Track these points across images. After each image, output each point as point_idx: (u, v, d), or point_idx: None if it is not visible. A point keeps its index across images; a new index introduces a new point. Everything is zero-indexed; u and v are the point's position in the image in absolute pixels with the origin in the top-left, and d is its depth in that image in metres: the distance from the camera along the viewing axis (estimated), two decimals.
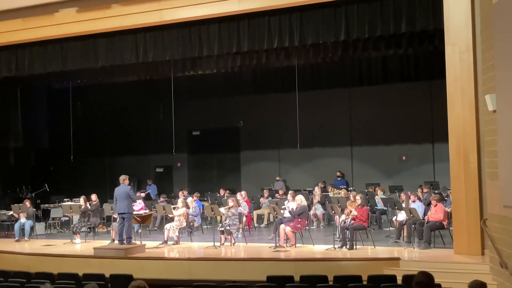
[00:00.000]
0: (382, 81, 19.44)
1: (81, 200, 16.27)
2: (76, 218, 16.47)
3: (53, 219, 18.33)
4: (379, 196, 16.44)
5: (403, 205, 14.21)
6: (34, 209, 17.37)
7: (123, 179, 13.46)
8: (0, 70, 16.88)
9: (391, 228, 15.24)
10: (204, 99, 22.26)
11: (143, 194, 15.34)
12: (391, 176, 20.19)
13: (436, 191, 16.01)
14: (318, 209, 17.18)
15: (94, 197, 16.51)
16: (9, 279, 10.07)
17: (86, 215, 16.00)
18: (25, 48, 16.34)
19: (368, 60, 18.87)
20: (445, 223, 12.91)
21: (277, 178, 21.31)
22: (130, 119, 23.61)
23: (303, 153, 20.36)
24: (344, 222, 13.41)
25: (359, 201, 13.48)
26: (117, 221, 13.96)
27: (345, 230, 13.11)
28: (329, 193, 17.54)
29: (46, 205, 19.18)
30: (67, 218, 17.78)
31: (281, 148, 21.95)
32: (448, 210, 13.33)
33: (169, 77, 18.14)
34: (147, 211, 15.34)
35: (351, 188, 18.74)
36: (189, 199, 16.36)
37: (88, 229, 16.06)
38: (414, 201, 13.83)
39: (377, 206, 16.33)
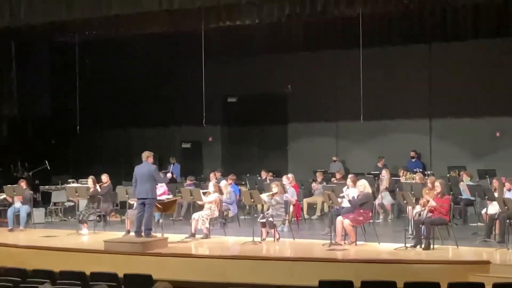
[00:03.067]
0: (472, 35, 19.09)
1: (90, 181, 16.45)
2: (83, 203, 16.69)
3: (54, 204, 18.61)
4: (465, 182, 16.24)
5: (496, 194, 14.01)
6: (32, 192, 17.63)
7: (147, 156, 13.53)
8: None
9: (479, 224, 15.07)
10: (243, 58, 22.20)
11: (169, 175, 15.35)
12: (480, 157, 19.94)
13: None
14: (385, 198, 17.08)
15: (105, 178, 16.68)
16: (0, 277, 10.27)
17: (95, 200, 16.19)
18: None
19: (455, 9, 18.52)
20: None
21: (334, 158, 21.23)
22: (150, 82, 23.73)
23: (368, 126, 20.19)
24: (419, 215, 13.30)
25: (438, 189, 13.31)
26: (135, 207, 14.10)
27: (420, 225, 13.02)
28: (400, 178, 17.41)
29: (47, 186, 19.47)
30: (72, 204, 18.04)
31: (340, 120, 21.82)
32: None
33: (199, 30, 18.14)
34: (171, 196, 15.43)
35: (428, 172, 18.57)
36: (223, 183, 16.41)
37: (98, 218, 16.25)
38: (510, 190, 13.63)
39: (461, 195, 16.16)
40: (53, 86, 24.51)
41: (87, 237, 15.41)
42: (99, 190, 16.35)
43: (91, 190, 16.21)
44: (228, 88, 22.92)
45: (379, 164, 20.06)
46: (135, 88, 23.88)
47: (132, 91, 23.92)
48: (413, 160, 20.31)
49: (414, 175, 17.08)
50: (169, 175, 15.23)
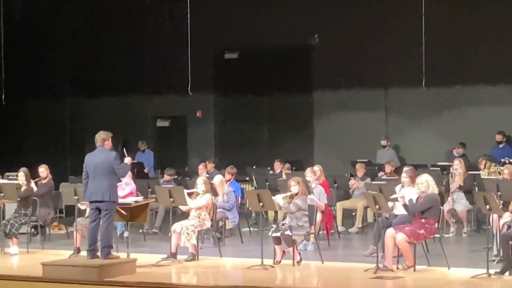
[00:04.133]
0: None
1: (20, 176, 16.50)
2: (11, 208, 16.73)
3: None
4: None
5: None
6: None
7: (103, 138, 13.41)
8: None
9: None
10: None
11: (128, 159, 14.59)
12: None
13: None
14: (458, 202, 17.10)
15: (43, 171, 16.71)
16: None
17: (29, 204, 16.23)
18: None
19: None
20: None
21: (383, 143, 21.37)
22: (109, 30, 23.71)
23: (432, 96, 20.27)
24: (509, 227, 13.33)
25: None
26: (87, 215, 14.09)
27: (510, 242, 13.03)
28: (480, 172, 17.42)
29: None
30: None
31: (391, 87, 21.84)
32: None
33: None
34: (141, 198, 15.46)
35: None
36: (218, 179, 16.44)
37: (33, 229, 16.31)
38: None
39: None
40: None
41: (18, 257, 15.45)
42: (35, 189, 16.39)
43: (23, 188, 16.24)
44: (225, 39, 22.93)
45: (455, 153, 19.89)
46: (85, 39, 23.86)
47: (81, 44, 23.91)
48: (500, 146, 20.29)
49: (502, 168, 17.10)
50: (127, 159, 14.42)
